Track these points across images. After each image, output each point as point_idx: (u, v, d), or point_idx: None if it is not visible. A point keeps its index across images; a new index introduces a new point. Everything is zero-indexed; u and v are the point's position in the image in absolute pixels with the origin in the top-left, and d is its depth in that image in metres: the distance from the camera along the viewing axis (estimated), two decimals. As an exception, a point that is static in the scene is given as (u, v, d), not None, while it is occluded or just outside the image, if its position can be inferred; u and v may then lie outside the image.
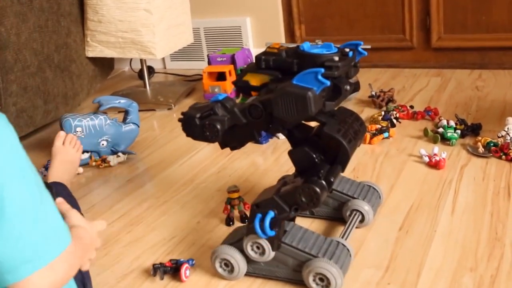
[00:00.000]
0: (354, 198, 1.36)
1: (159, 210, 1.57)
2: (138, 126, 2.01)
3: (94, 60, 2.53)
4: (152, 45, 2.37)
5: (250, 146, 1.96)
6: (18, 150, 0.72)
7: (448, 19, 2.65)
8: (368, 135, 1.87)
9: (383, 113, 2.04)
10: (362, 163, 1.72)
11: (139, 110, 2.52)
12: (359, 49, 1.23)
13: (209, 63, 2.72)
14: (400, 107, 2.11)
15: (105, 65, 2.69)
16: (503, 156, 1.63)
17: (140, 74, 3.21)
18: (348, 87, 1.16)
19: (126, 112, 2.00)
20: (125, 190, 1.75)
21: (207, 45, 3.32)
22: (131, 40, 2.36)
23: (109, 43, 2.39)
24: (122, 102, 1.95)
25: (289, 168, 1.75)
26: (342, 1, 2.88)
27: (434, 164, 1.64)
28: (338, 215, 1.40)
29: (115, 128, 1.96)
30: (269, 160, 1.85)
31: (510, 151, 1.62)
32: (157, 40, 2.36)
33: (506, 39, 2.53)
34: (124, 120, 1.99)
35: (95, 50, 2.44)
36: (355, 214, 1.34)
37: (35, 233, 0.71)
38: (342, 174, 1.27)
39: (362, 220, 1.35)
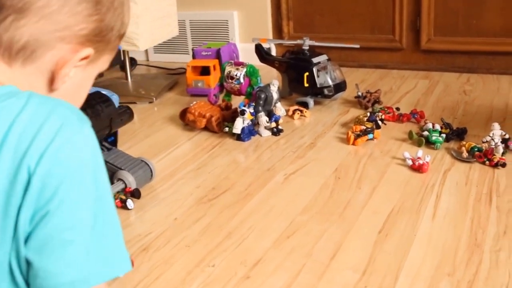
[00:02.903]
0: (121, 169, 1.62)
1: (135, 205, 1.57)
2: (118, 119, 2.01)
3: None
4: (135, 36, 2.37)
5: (232, 143, 1.98)
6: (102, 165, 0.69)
7: (438, 21, 2.68)
8: (352, 136, 1.89)
9: (368, 114, 2.06)
10: (345, 164, 1.74)
11: (120, 103, 2.53)
12: None
13: (194, 56, 2.72)
14: (386, 109, 2.14)
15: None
16: (487, 162, 1.66)
17: (122, 66, 3.21)
18: None
19: (106, 104, 1.99)
20: (102, 184, 1.75)
21: (192, 38, 3.32)
22: (114, 30, 2.36)
23: (91, 32, 2.39)
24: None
25: (271, 166, 1.76)
26: (331, -2, 2.90)
27: (417, 168, 1.66)
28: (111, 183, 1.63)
29: (94, 120, 1.96)
30: (251, 158, 1.86)
31: (494, 156, 1.65)
32: (140, 32, 2.36)
33: (496, 43, 2.57)
34: (104, 112, 1.99)
35: (76, 39, 2.44)
36: (119, 183, 1.62)
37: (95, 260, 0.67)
38: (122, 150, 1.74)
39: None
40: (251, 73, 2.13)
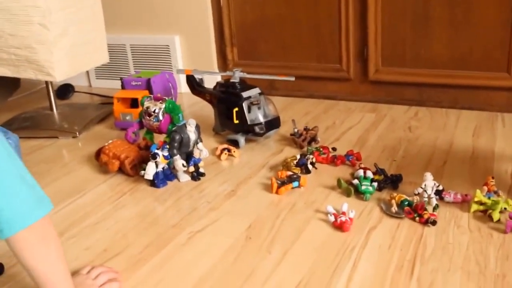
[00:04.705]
0: None
1: (10, 272, 1.35)
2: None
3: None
4: (49, 65, 2.13)
5: (145, 189, 1.78)
6: None
7: (386, 51, 2.50)
8: (275, 184, 1.69)
9: (298, 156, 1.86)
10: (261, 220, 1.53)
11: (42, 137, 2.32)
12: None
13: (123, 87, 2.51)
14: (321, 149, 1.94)
15: (7, 82, 2.46)
16: (417, 218, 1.46)
17: (59, 92, 2.99)
18: None
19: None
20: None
21: (134, 63, 3.11)
22: (25, 58, 2.12)
23: (1, 59, 2.15)
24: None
25: (178, 221, 1.55)
26: (276, 26, 2.71)
27: (339, 226, 1.45)
28: None
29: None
30: (160, 209, 1.65)
31: (425, 212, 1.45)
32: (55, 60, 2.13)
33: (445, 76, 2.39)
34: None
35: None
36: None
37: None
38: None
39: None
40: (171, 109, 1.92)
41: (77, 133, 2.35)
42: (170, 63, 3.00)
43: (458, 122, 2.22)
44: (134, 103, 2.41)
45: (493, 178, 1.56)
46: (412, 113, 2.38)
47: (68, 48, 2.19)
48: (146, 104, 1.96)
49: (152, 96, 1.99)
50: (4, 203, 0.96)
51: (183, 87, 2.94)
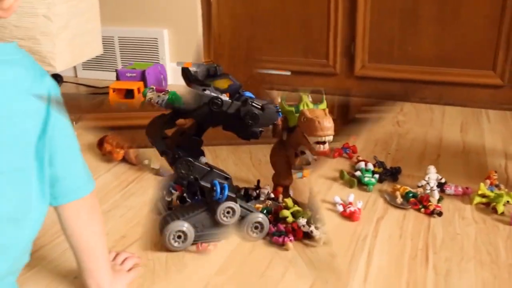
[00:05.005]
0: None
1: (32, 258, 1.30)
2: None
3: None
4: (51, 56, 2.08)
5: (150, 178, 1.75)
6: None
7: (373, 47, 2.52)
8: (280, 175, 1.68)
9: (298, 148, 1.85)
10: (271, 209, 1.52)
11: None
12: None
13: (118, 78, 2.46)
14: (317, 142, 1.94)
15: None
16: (422, 209, 1.47)
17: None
18: None
19: None
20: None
21: (121, 56, 3.05)
22: (28, 49, 2.07)
23: (2, 50, 2.09)
24: None
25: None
26: (264, 20, 2.69)
27: (348, 215, 1.46)
28: None
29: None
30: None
31: (430, 204, 1.47)
32: (57, 51, 2.07)
33: (430, 72, 2.43)
34: None
35: (-15, 57, 2.14)
36: None
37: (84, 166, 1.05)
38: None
39: None
40: (174, 100, 1.88)
41: (74, 122, 2.29)
42: (158, 56, 2.95)
43: (444, 118, 2.25)
44: (128, 93, 2.37)
45: (495, 172, 1.59)
46: (397, 108, 2.40)
47: (69, 39, 2.14)
48: (149, 95, 1.93)
49: (154, 87, 1.95)
50: (67, 172, 1.00)
51: (172, 78, 2.90)
